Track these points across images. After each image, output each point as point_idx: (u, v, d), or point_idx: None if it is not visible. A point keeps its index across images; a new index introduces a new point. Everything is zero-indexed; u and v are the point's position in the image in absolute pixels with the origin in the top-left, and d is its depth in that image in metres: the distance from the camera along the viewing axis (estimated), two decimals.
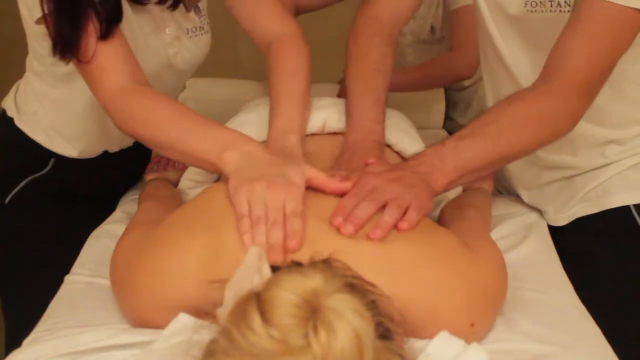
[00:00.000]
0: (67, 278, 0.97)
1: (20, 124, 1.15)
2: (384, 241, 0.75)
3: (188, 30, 1.12)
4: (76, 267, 1.00)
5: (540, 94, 0.91)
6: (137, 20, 1.02)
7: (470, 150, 0.87)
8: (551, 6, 0.95)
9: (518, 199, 1.24)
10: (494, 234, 1.07)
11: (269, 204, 0.74)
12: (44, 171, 1.15)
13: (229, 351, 0.50)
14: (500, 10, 1.03)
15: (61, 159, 1.15)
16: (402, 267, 0.74)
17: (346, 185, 0.81)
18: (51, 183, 1.14)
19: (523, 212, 1.17)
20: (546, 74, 0.92)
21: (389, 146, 1.08)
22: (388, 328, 0.56)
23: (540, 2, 0.96)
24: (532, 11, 0.97)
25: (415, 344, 0.64)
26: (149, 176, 1.28)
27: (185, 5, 1.07)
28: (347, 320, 0.48)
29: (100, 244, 1.06)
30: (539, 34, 0.99)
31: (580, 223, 1.10)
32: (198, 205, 0.87)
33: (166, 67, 1.11)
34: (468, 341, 0.72)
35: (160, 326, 0.71)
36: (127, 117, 0.90)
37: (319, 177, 0.81)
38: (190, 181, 1.14)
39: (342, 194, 0.81)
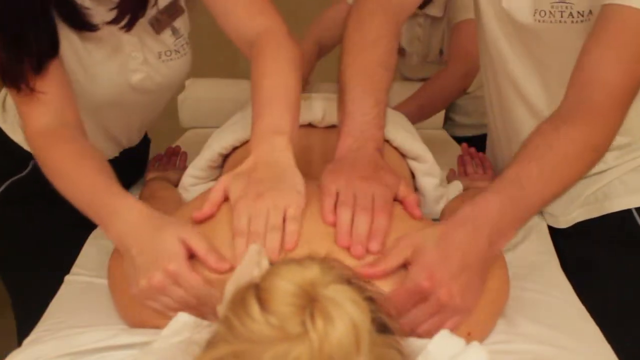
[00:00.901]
0: (67, 278, 0.97)
1: (3, 124, 1.13)
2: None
3: (160, 54, 1.06)
4: (76, 267, 1.00)
5: (582, 121, 0.84)
6: (86, 47, 0.98)
7: (524, 203, 0.79)
8: (561, 17, 0.92)
9: None
10: None
11: None
12: (24, 173, 1.10)
13: (228, 338, 0.51)
14: (507, 20, 1.00)
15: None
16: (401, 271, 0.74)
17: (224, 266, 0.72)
18: (33, 185, 1.05)
19: None
20: (579, 91, 0.87)
21: (387, 141, 1.09)
22: (386, 323, 0.56)
23: (550, 12, 0.93)
24: (540, 21, 0.95)
25: (416, 342, 0.64)
26: (149, 175, 1.29)
27: (153, 28, 1.01)
28: (345, 309, 0.49)
29: (100, 244, 1.06)
30: (546, 44, 0.98)
31: (582, 227, 1.09)
32: (197, 208, 0.86)
33: (130, 91, 1.06)
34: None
35: (156, 328, 0.71)
36: (41, 162, 0.88)
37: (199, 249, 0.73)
38: (192, 177, 1.14)
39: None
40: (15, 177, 1.11)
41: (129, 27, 0.95)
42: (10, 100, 1.09)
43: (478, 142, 1.38)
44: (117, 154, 1.27)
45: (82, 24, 0.92)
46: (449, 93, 1.67)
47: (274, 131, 0.83)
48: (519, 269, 0.96)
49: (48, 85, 0.88)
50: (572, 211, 1.10)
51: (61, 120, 0.90)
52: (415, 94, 1.65)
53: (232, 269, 0.71)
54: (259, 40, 0.93)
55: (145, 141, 1.43)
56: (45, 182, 0.95)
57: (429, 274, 0.70)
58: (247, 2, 0.96)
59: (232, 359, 0.50)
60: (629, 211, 1.05)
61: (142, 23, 0.99)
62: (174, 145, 1.48)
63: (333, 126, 1.11)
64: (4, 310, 1.47)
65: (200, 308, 0.72)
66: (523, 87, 1.06)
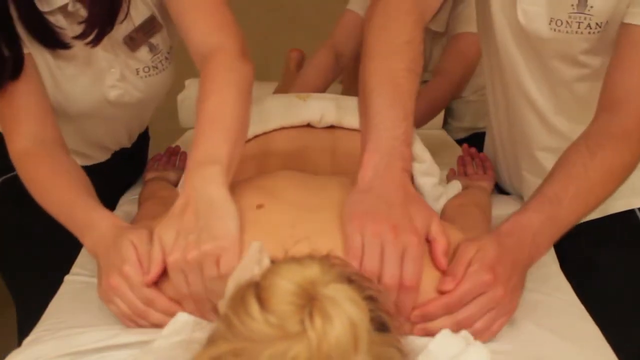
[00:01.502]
0: (67, 278, 0.97)
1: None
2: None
3: (138, 70, 1.05)
4: (76, 267, 1.00)
5: (617, 146, 0.86)
6: (58, 64, 0.98)
7: (561, 221, 0.82)
8: (578, 27, 0.91)
9: (519, 199, 1.24)
10: None
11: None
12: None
13: (227, 336, 0.51)
14: (521, 30, 0.99)
15: None
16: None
17: None
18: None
19: None
20: (610, 114, 0.88)
21: None
22: (385, 322, 0.56)
23: (567, 22, 0.92)
24: (556, 30, 0.94)
25: (417, 341, 0.64)
26: (148, 175, 1.29)
27: (128, 46, 1.01)
28: (343, 309, 0.49)
29: None
30: (558, 54, 0.98)
31: (584, 227, 1.08)
32: None
33: (108, 106, 1.07)
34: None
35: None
36: (24, 181, 0.91)
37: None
38: None
39: None
40: (8, 175, 1.11)
41: (95, 42, 0.94)
42: None
43: (470, 143, 1.39)
44: (108, 157, 1.27)
45: (56, 43, 0.92)
46: (448, 96, 1.66)
47: (209, 161, 0.77)
48: None
49: (23, 99, 0.90)
50: None
51: (41, 139, 0.92)
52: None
53: (153, 282, 0.74)
54: (210, 57, 0.88)
55: (144, 140, 1.43)
56: None
57: (492, 270, 0.73)
58: (208, 16, 0.92)
59: (231, 357, 0.50)
60: (632, 211, 1.06)
61: (117, 41, 0.99)
62: (173, 145, 1.48)
63: (331, 126, 1.11)
64: (4, 310, 1.47)
65: (145, 317, 0.74)
66: (533, 96, 1.06)
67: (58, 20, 0.91)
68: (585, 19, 0.90)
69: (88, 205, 0.84)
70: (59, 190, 0.87)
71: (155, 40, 1.05)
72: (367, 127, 0.81)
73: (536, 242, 0.79)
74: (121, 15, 0.95)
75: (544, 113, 1.07)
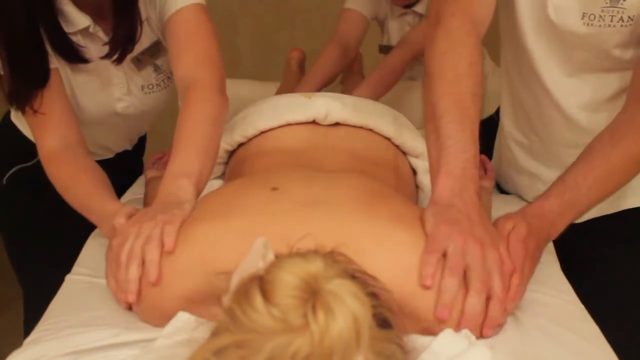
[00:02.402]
0: (68, 277, 0.97)
1: (17, 120, 1.28)
2: (385, 226, 0.77)
3: (143, 87, 1.20)
4: (77, 267, 1.00)
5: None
6: (75, 77, 1.12)
7: (578, 207, 0.88)
8: (611, 21, 0.93)
9: (519, 198, 1.24)
10: None
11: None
12: (30, 163, 1.25)
13: (231, 328, 0.52)
14: (550, 24, 1.00)
15: None
16: (404, 249, 0.75)
17: None
18: (38, 174, 1.14)
19: None
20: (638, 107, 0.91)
21: (388, 139, 1.10)
22: (387, 318, 0.56)
23: (600, 16, 0.93)
24: (589, 24, 0.95)
25: (419, 339, 0.64)
26: (149, 174, 1.29)
27: (135, 65, 1.15)
28: (346, 303, 0.49)
29: (101, 244, 1.06)
30: (589, 48, 0.99)
31: (596, 224, 1.10)
32: (208, 196, 0.89)
33: (114, 116, 1.21)
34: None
35: (167, 314, 0.72)
36: (52, 180, 1.04)
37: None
38: None
39: None
40: (23, 165, 1.27)
41: (119, 60, 1.09)
42: None
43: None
44: (111, 156, 1.40)
45: (77, 59, 1.06)
46: (406, 67, 1.71)
47: (182, 174, 0.91)
48: None
49: (50, 107, 1.03)
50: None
51: (65, 143, 1.05)
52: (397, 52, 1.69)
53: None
54: (193, 88, 1.02)
55: (142, 141, 1.52)
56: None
57: (525, 243, 0.81)
58: (194, 51, 1.05)
59: (234, 348, 0.51)
60: None
61: (126, 60, 1.12)
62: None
63: (336, 124, 1.12)
64: (4, 310, 1.48)
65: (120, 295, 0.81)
66: (556, 92, 1.07)
67: (79, 40, 1.06)
68: (617, 12, 0.92)
69: (104, 198, 0.96)
70: (80, 186, 0.99)
71: (160, 62, 1.18)
72: (440, 150, 0.85)
73: (555, 224, 0.87)
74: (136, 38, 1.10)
75: (566, 108, 1.08)
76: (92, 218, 0.98)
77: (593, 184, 0.87)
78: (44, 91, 1.03)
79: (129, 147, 1.43)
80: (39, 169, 1.10)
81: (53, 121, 1.05)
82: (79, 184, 1.00)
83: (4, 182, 1.29)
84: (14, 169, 1.28)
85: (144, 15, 1.08)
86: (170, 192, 0.89)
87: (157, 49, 1.16)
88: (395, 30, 1.80)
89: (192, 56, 1.05)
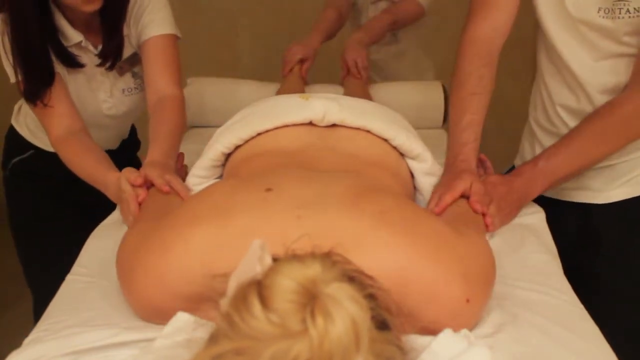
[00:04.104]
0: (68, 277, 0.97)
1: (15, 122, 1.55)
2: (383, 221, 0.78)
3: (124, 90, 1.46)
4: (76, 267, 1.00)
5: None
6: (70, 85, 1.36)
7: (581, 159, 1.09)
8: (620, 13, 1.04)
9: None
10: (494, 234, 1.07)
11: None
12: (26, 155, 1.53)
13: (229, 334, 0.51)
14: (566, 16, 1.11)
15: (40, 151, 1.51)
16: (400, 240, 0.76)
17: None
18: (32, 165, 1.52)
19: (523, 212, 1.17)
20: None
21: (386, 140, 1.10)
22: (386, 320, 0.56)
23: (611, 9, 1.05)
24: (603, 17, 1.06)
25: (418, 340, 0.64)
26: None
27: (117, 72, 1.42)
28: (344, 307, 0.49)
29: (101, 244, 1.06)
30: (602, 35, 1.09)
31: (620, 206, 1.16)
32: (204, 194, 0.90)
33: (102, 116, 1.47)
34: (464, 319, 0.76)
35: (165, 311, 0.72)
36: (63, 160, 1.30)
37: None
38: (197, 177, 1.17)
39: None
40: (19, 157, 1.53)
41: (111, 67, 1.39)
42: (24, 108, 1.53)
43: None
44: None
45: (73, 64, 1.34)
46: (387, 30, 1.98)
47: (157, 163, 1.18)
48: (519, 268, 0.96)
49: (57, 101, 1.30)
50: (613, 188, 1.17)
51: (70, 130, 1.31)
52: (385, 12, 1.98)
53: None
54: (165, 100, 1.34)
55: (132, 144, 1.73)
56: (41, 164, 1.50)
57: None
58: (170, 73, 1.37)
59: (233, 355, 0.50)
60: None
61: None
62: None
63: (333, 125, 1.11)
64: (4, 310, 1.48)
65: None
66: (580, 75, 1.16)
67: (74, 50, 1.34)
68: (624, 4, 1.04)
69: (107, 170, 1.22)
70: (86, 162, 1.26)
71: (137, 69, 1.45)
72: (448, 137, 1.17)
73: (557, 175, 1.10)
74: None
75: (589, 92, 1.15)
76: (99, 185, 1.22)
77: (601, 134, 1.06)
78: (52, 89, 1.28)
79: (117, 145, 1.63)
80: (33, 161, 1.49)
81: (59, 112, 1.30)
82: (85, 160, 1.26)
83: (7, 172, 1.55)
84: (14, 161, 1.53)
85: (125, 32, 1.37)
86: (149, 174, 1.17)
87: (135, 59, 1.42)
88: (372, 14, 2.03)
89: (160, 75, 1.36)
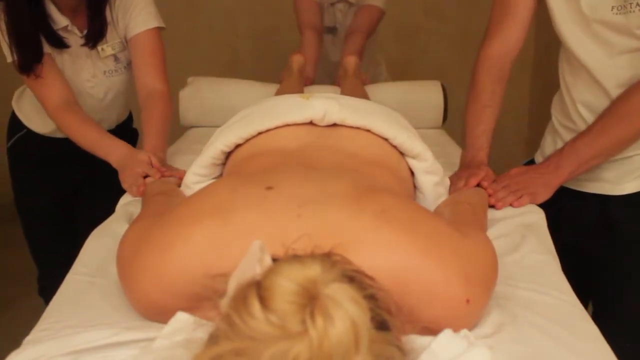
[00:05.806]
0: (68, 277, 0.97)
1: (15, 106, 1.74)
2: (384, 219, 0.78)
3: (105, 72, 1.64)
4: (77, 266, 1.00)
5: None
6: (56, 59, 1.54)
7: (591, 141, 1.16)
8: (630, 7, 1.10)
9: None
10: (493, 234, 1.07)
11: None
12: (22, 133, 1.72)
13: (229, 335, 0.51)
14: (581, 17, 1.17)
15: (30, 133, 1.71)
16: (401, 239, 0.76)
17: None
18: (27, 141, 1.72)
19: (523, 212, 1.17)
20: None
21: (386, 139, 1.10)
22: (385, 320, 0.56)
23: (623, 6, 1.11)
24: (617, 14, 1.12)
25: (418, 340, 0.64)
26: (148, 178, 1.31)
27: (100, 55, 1.60)
28: (344, 308, 0.49)
29: (101, 243, 1.06)
30: (616, 29, 1.14)
31: (635, 199, 1.19)
32: (205, 192, 0.89)
33: (87, 96, 1.64)
34: (464, 320, 0.75)
35: (166, 310, 0.72)
36: (61, 128, 1.52)
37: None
38: (196, 175, 1.17)
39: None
40: (18, 135, 1.73)
41: (93, 46, 1.56)
42: (25, 95, 1.73)
43: None
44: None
45: (60, 45, 1.52)
46: (364, 45, 2.18)
47: (152, 150, 1.43)
48: (518, 268, 0.96)
49: (47, 73, 1.48)
50: (628, 181, 1.21)
51: (65, 100, 1.50)
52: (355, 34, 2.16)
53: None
54: (155, 94, 1.54)
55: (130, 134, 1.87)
56: (37, 143, 1.70)
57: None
58: (158, 69, 1.56)
59: (232, 356, 0.50)
60: None
61: (95, 52, 1.59)
62: (174, 144, 1.50)
63: (334, 125, 1.12)
64: (4, 310, 1.47)
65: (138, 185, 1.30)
66: (594, 72, 1.21)
67: (61, 33, 1.52)
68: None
69: (108, 138, 1.47)
70: (87, 131, 1.47)
71: (120, 55, 1.63)
72: (465, 142, 1.36)
73: (579, 161, 1.19)
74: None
75: (607, 88, 1.19)
76: (101, 152, 1.44)
77: (618, 120, 1.14)
78: (43, 64, 1.47)
79: (115, 124, 1.79)
80: (27, 138, 1.70)
81: (52, 83, 1.49)
82: (85, 130, 1.47)
83: (9, 153, 1.75)
84: (14, 138, 1.73)
85: (109, 18, 1.54)
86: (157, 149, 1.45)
87: (121, 46, 1.60)
88: (328, 17, 2.27)
89: (148, 72, 1.55)
